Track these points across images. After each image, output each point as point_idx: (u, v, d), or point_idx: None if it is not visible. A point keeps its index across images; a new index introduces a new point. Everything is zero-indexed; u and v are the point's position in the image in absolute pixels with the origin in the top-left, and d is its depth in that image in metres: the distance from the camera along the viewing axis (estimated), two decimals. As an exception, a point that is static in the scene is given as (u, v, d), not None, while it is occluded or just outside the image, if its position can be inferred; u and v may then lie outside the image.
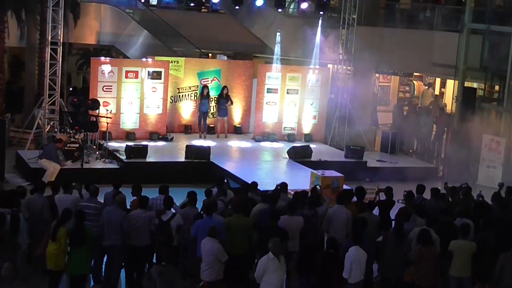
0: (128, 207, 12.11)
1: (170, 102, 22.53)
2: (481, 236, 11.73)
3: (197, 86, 22.93)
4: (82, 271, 10.99)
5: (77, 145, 18.45)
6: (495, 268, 10.95)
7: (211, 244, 10.58)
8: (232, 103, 22.80)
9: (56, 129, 20.13)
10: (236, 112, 23.58)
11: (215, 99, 22.85)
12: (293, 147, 20.77)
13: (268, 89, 23.18)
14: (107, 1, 24.98)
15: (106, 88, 21.03)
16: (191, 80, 22.95)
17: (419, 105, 26.31)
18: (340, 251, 10.89)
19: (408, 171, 19.68)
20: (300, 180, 17.13)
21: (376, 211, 12.71)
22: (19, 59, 25.88)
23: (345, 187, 16.03)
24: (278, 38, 24.12)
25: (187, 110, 23.02)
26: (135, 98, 21.51)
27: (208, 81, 23.07)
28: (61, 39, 20.47)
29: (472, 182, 17.53)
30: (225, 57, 26.82)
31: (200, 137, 22.32)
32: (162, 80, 21.83)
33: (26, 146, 20.25)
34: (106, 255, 11.84)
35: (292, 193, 13.70)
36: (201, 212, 11.74)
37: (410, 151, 23.69)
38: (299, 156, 20.29)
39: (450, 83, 25.08)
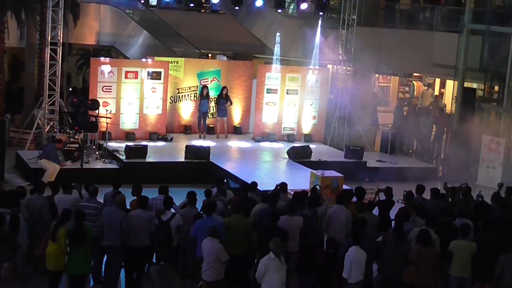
0: (128, 207, 12.11)
1: (170, 102, 22.54)
2: (481, 236, 11.73)
3: (197, 86, 22.94)
4: (82, 271, 10.99)
5: (77, 145, 18.45)
6: (495, 268, 10.96)
7: (212, 244, 10.58)
8: (231, 103, 22.80)
9: (55, 129, 20.14)
10: (236, 113, 23.59)
11: (215, 99, 22.86)
12: (293, 147, 20.78)
13: (267, 89, 23.18)
14: (107, 2, 24.98)
15: (105, 89, 21.03)
16: (190, 81, 22.96)
17: (419, 106, 26.32)
18: (340, 251, 10.89)
19: (407, 171, 19.68)
20: (300, 180, 17.13)
21: (375, 211, 12.71)
22: (19, 60, 25.88)
23: (344, 187, 16.03)
24: (277, 39, 24.13)
25: (186, 111, 23.02)
26: (135, 98, 21.51)
27: (207, 81, 23.08)
28: (61, 40, 20.48)
29: (471, 182, 17.51)
30: (225, 58, 26.82)
31: (200, 137, 22.33)
32: (161, 81, 21.83)
33: (26, 147, 20.26)
34: (105, 255, 11.84)
35: (292, 193, 13.70)
36: (201, 212, 11.74)
37: (410, 151, 23.71)
38: (299, 156, 20.30)
39: (450, 84, 25.08)
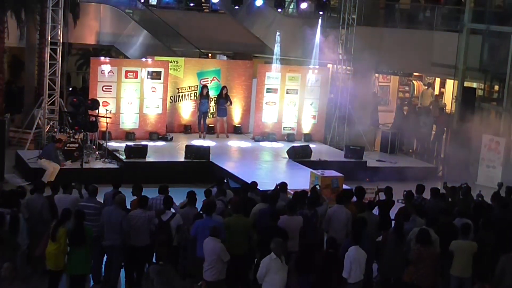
0: (128, 207, 12.11)
1: (170, 102, 22.53)
2: (481, 236, 11.73)
3: (197, 86, 22.93)
4: (82, 271, 10.99)
5: (77, 145, 18.44)
6: (495, 268, 10.95)
7: (214, 243, 10.58)
8: (231, 103, 22.79)
9: (55, 129, 20.13)
10: (236, 112, 23.59)
11: (215, 99, 22.86)
12: (293, 147, 20.77)
13: (267, 89, 23.18)
14: (107, 1, 24.96)
15: (105, 88, 21.03)
16: (190, 80, 22.95)
17: (419, 105, 26.32)
18: (340, 251, 10.89)
19: (407, 171, 19.70)
20: (300, 180, 17.12)
21: (375, 211, 12.71)
22: (18, 59, 25.86)
23: (344, 187, 16.03)
24: (277, 38, 24.11)
25: (186, 110, 23.02)
26: (135, 98, 21.51)
27: (207, 81, 23.07)
28: (61, 39, 20.48)
29: (471, 182, 17.53)
30: (225, 57, 26.82)
31: (200, 137, 22.32)
32: (161, 80, 21.83)
33: (26, 146, 20.25)
34: (105, 255, 11.84)
35: (292, 193, 13.70)
36: (201, 212, 11.74)
37: (410, 151, 23.71)
38: (299, 156, 20.29)
39: (450, 83, 25.09)
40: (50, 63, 20.37)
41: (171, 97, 22.59)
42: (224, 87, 22.66)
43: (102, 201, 12.26)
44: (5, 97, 22.50)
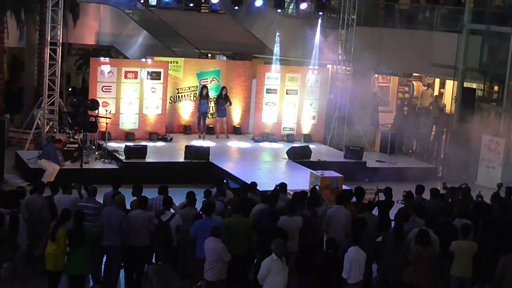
0: (128, 207, 12.11)
1: (170, 102, 22.53)
2: (481, 236, 11.73)
3: (197, 86, 22.93)
4: (82, 272, 10.99)
5: (77, 146, 18.44)
6: (494, 269, 10.95)
7: (215, 243, 10.58)
8: (231, 104, 22.78)
9: (55, 130, 20.13)
10: (236, 113, 23.59)
11: (214, 99, 22.86)
12: (293, 147, 20.77)
13: (267, 89, 23.18)
14: (107, 2, 24.96)
15: (105, 89, 21.03)
16: (190, 81, 22.95)
17: (419, 106, 26.33)
18: (340, 251, 10.88)
19: (407, 172, 19.69)
20: (300, 180, 17.12)
21: (375, 212, 12.70)
22: (18, 60, 25.87)
23: (344, 187, 16.02)
24: (277, 39, 24.12)
25: (186, 111, 23.01)
26: (135, 98, 21.51)
27: (207, 81, 23.07)
28: (61, 40, 20.48)
29: (471, 182, 17.52)
30: (225, 58, 26.82)
31: (200, 137, 22.32)
32: (161, 81, 21.83)
33: (26, 147, 20.25)
34: (105, 256, 11.84)
35: (292, 193, 13.70)
36: (200, 213, 11.74)
37: (410, 151, 23.71)
38: (299, 156, 20.29)
39: (450, 84, 25.09)
40: (49, 63, 20.36)
41: (171, 98, 22.58)
42: (224, 87, 22.66)
43: (102, 202, 12.26)
44: (5, 97, 22.50)
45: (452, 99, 23.09)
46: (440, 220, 11.97)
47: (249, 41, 27.06)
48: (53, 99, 20.54)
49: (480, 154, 20.76)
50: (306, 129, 23.57)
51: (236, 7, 24.39)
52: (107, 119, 19.36)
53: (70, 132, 19.10)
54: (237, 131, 23.51)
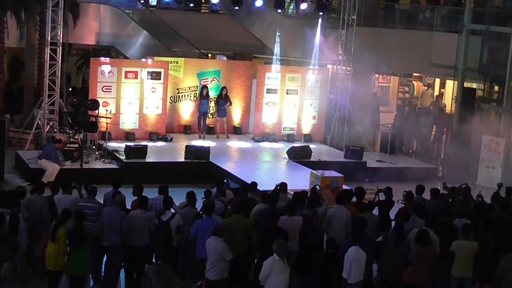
0: (129, 207, 12.11)
1: (170, 102, 22.53)
2: (481, 236, 11.73)
3: (197, 86, 22.94)
4: (82, 271, 10.99)
5: (77, 145, 18.44)
6: (494, 269, 10.95)
7: (216, 243, 10.58)
8: (231, 104, 22.79)
9: (55, 130, 20.14)
10: (236, 113, 23.59)
11: (215, 99, 22.86)
12: (293, 147, 20.77)
13: (267, 89, 23.18)
14: (107, 2, 24.95)
15: (105, 89, 21.03)
16: (190, 81, 22.96)
17: (419, 106, 26.34)
18: (340, 251, 10.88)
19: (407, 172, 19.70)
20: (300, 180, 17.12)
21: (375, 212, 12.71)
22: (18, 60, 25.88)
23: (344, 187, 16.01)
24: (277, 39, 24.13)
25: (186, 111, 23.02)
26: (135, 98, 21.51)
27: (207, 81, 23.07)
28: (61, 40, 20.49)
29: (471, 182, 17.51)
30: (225, 58, 26.82)
31: (200, 137, 22.32)
32: (161, 81, 21.83)
33: (26, 147, 20.26)
34: (105, 256, 11.84)
35: (292, 193, 13.70)
36: (201, 213, 11.74)
37: (410, 151, 23.71)
38: (299, 156, 20.30)
39: (450, 84, 25.08)
40: (50, 64, 20.38)
41: (171, 98, 22.59)
42: (224, 87, 22.66)
43: (102, 202, 12.25)
44: (5, 97, 22.50)
45: (452, 99, 23.08)
46: (440, 220, 11.97)
47: (249, 41, 27.06)
48: (53, 99, 20.55)
49: (480, 154, 20.76)
50: (306, 129, 23.58)
51: (236, 7, 24.41)
52: (107, 119, 19.36)
53: (70, 132, 19.10)
54: (237, 131, 23.51)
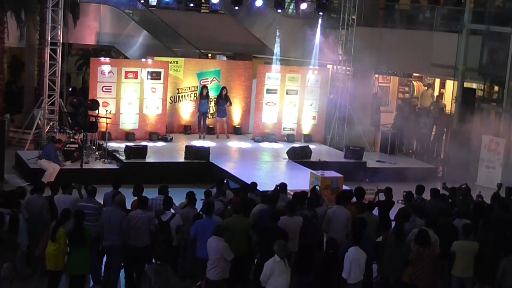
0: (129, 207, 12.11)
1: (170, 102, 22.53)
2: (481, 236, 11.73)
3: (197, 86, 22.94)
4: (82, 271, 10.99)
5: (77, 146, 18.44)
6: (495, 269, 10.95)
7: (217, 242, 10.58)
8: (231, 104, 22.78)
9: (55, 130, 20.14)
10: (236, 113, 23.59)
11: (215, 99, 22.86)
12: (293, 147, 20.77)
13: (267, 89, 23.19)
14: (107, 2, 24.95)
15: (105, 89, 21.03)
16: (190, 81, 22.96)
17: (419, 106, 26.34)
18: (340, 251, 10.88)
19: (407, 172, 19.69)
20: (300, 180, 17.12)
21: (375, 212, 12.70)
22: (18, 60, 25.89)
23: (344, 187, 16.01)
24: (277, 39, 24.13)
25: (186, 111, 23.02)
26: (135, 98, 21.51)
27: (207, 81, 23.07)
28: (61, 40, 20.49)
29: (471, 182, 17.51)
30: (225, 58, 26.82)
31: (200, 137, 22.32)
32: (161, 81, 21.83)
33: (26, 147, 20.26)
34: (105, 256, 11.84)
35: (292, 193, 13.70)
36: (201, 213, 11.74)
37: (410, 151, 23.70)
38: (299, 156, 20.30)
39: (450, 84, 25.08)
40: (50, 64, 20.38)
41: (171, 98, 22.59)
42: (224, 87, 22.66)
43: (102, 202, 12.25)
44: (5, 97, 22.50)
45: (452, 99, 23.08)
46: (440, 221, 11.96)
47: (249, 41, 27.07)
48: (53, 99, 20.55)
49: (480, 154, 20.76)
50: (306, 129, 23.58)
51: (236, 7, 24.40)
52: (107, 119, 19.36)
53: (70, 132, 19.09)
54: (237, 131, 23.51)
